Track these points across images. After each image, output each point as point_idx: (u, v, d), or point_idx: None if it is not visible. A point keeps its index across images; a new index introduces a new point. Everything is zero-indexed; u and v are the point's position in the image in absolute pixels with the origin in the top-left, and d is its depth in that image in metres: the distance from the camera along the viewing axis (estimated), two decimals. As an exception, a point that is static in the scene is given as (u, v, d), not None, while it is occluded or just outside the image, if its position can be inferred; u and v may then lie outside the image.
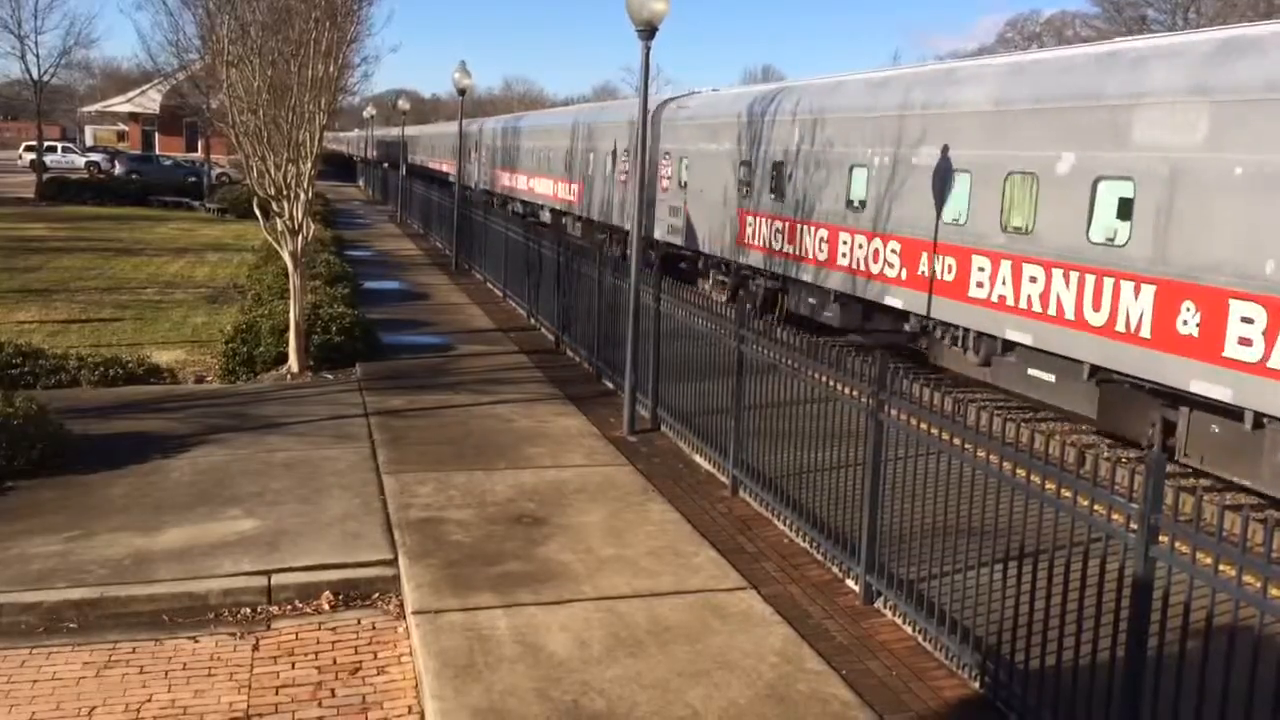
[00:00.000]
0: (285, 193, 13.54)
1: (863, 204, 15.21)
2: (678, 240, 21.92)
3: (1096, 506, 5.07)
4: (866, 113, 15.43)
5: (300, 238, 13.72)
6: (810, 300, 16.90)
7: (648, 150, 25.14)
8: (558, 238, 16.81)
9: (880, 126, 14.99)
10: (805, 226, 16.70)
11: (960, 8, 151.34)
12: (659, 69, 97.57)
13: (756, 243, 18.26)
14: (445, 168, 50.26)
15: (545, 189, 33.20)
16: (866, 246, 15.08)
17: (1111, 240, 10.95)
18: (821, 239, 16.22)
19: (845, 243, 15.60)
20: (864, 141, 15.31)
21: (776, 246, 17.56)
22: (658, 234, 22.73)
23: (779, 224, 17.43)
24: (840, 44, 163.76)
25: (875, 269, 14.85)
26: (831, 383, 7.57)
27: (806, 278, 16.70)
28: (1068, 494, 5.24)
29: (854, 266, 15.36)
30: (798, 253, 16.89)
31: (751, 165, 18.41)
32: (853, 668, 6.15)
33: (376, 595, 7.26)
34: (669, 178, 22.49)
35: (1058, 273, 11.56)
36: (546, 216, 32.71)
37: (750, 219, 18.46)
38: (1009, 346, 12.67)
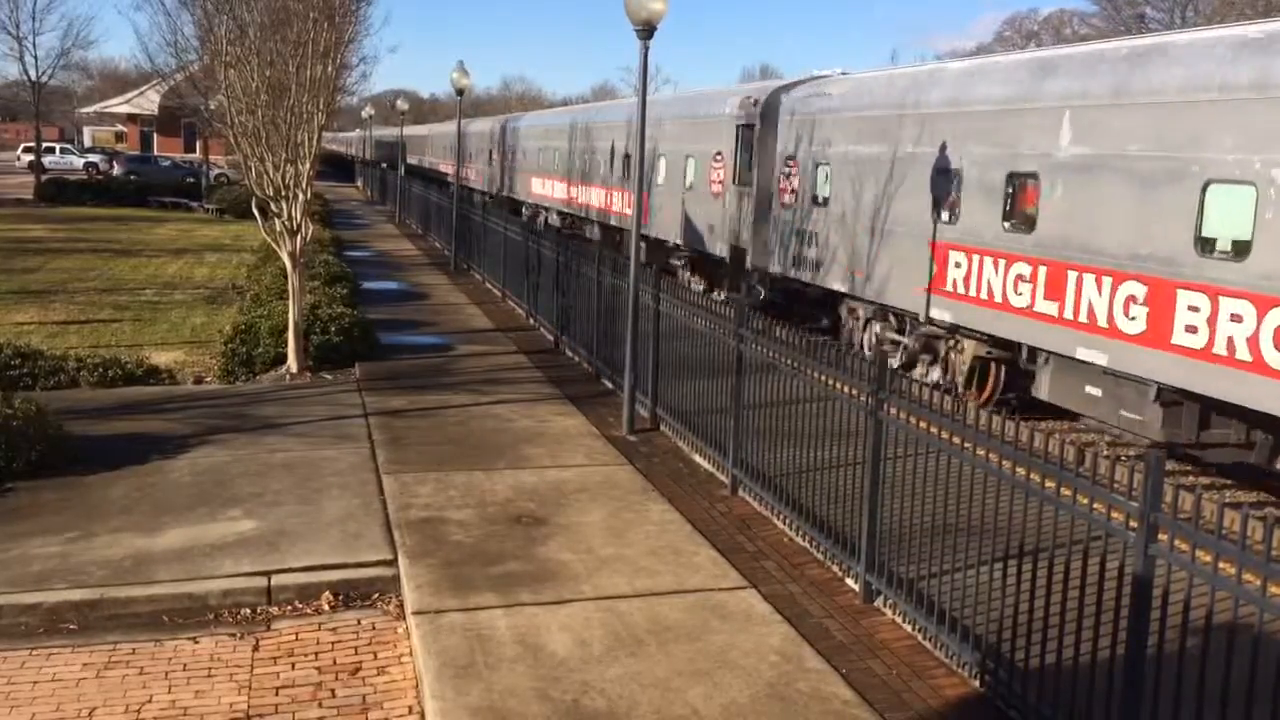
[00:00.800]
0: (284, 193, 13.54)
1: (1240, 247, 9.31)
2: (806, 275, 16.47)
3: (1096, 504, 5.07)
4: (1257, 94, 9.18)
5: (299, 238, 13.72)
6: (1090, 390, 11.06)
7: (647, 149, 21.90)
8: (561, 240, 16.76)
9: None
10: (1092, 276, 10.70)
11: (957, 6, 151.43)
12: (658, 68, 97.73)
13: (968, 291, 12.56)
14: (454, 170, 47.96)
15: (594, 199, 27.36)
16: (1250, 320, 9.06)
17: None
18: (1132, 299, 10.23)
19: (1194, 309, 9.58)
20: (1243, 143, 9.25)
21: (1017, 301, 11.74)
22: (774, 266, 17.62)
23: (1022, 266, 11.68)
24: (838, 43, 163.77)
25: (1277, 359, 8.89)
26: (831, 382, 7.58)
27: (1093, 357, 10.71)
28: (1067, 492, 5.25)
29: (1221, 351, 9.32)
30: (1070, 316, 10.99)
31: (959, 176, 12.88)
32: (853, 666, 6.16)
33: (376, 595, 7.26)
34: (793, 191, 16.92)
35: None
36: (595, 233, 27.41)
37: (957, 255, 12.77)
38: None
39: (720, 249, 19.40)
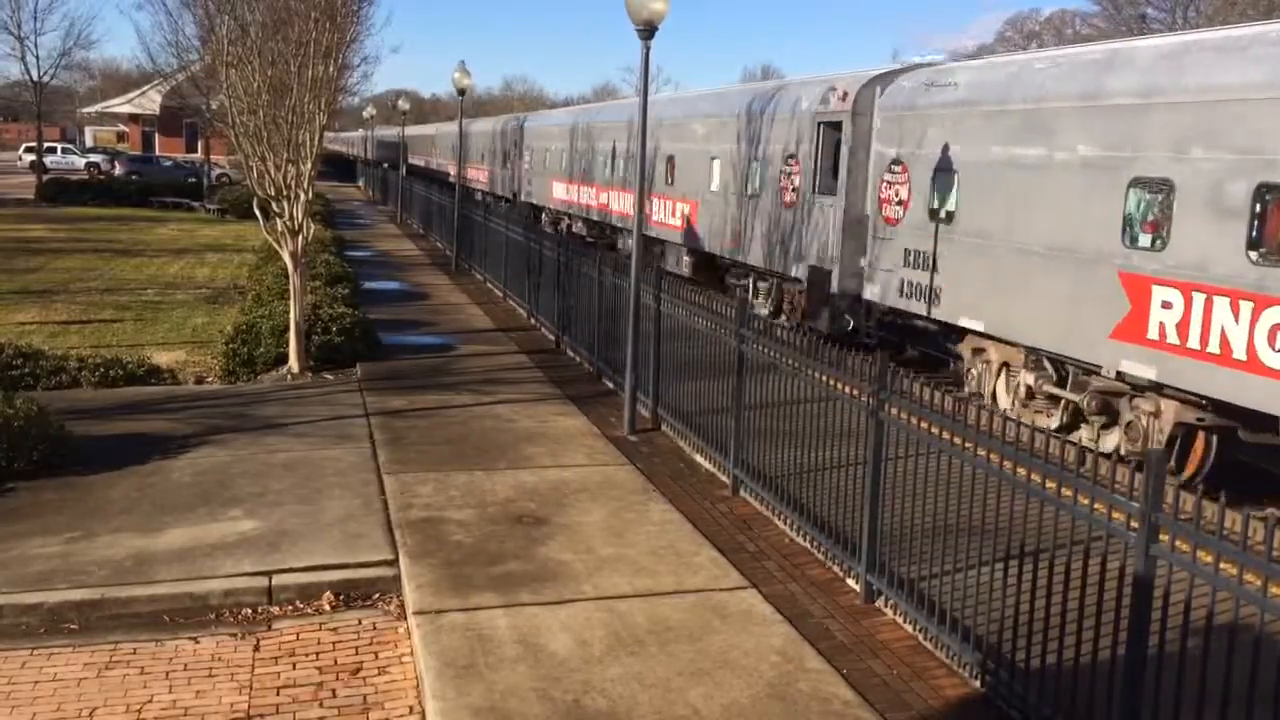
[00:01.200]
0: (285, 193, 13.55)
1: None
2: (918, 306, 13.38)
3: (1097, 505, 5.07)
4: None
5: (300, 238, 13.73)
6: None
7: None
8: (563, 240, 16.71)
9: None
10: None
11: (958, 6, 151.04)
12: (659, 69, 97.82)
13: (1184, 340, 9.50)
14: (471, 173, 41.60)
15: (629, 207, 22.75)
16: None
17: None
18: None
19: None
20: None
21: (1275, 360, 8.80)
22: (871, 292, 14.50)
23: None
24: (838, 43, 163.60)
25: None
26: (832, 382, 7.58)
27: None
28: (1068, 492, 5.25)
29: None
30: None
31: (1169, 188, 9.78)
32: (854, 667, 6.16)
33: (377, 595, 7.27)
34: (900, 202, 13.86)
35: None
36: (628, 244, 22.43)
37: (1166, 293, 9.71)
38: None
39: (795, 269, 16.28)
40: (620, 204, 24.81)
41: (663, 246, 22.15)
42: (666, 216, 21.70)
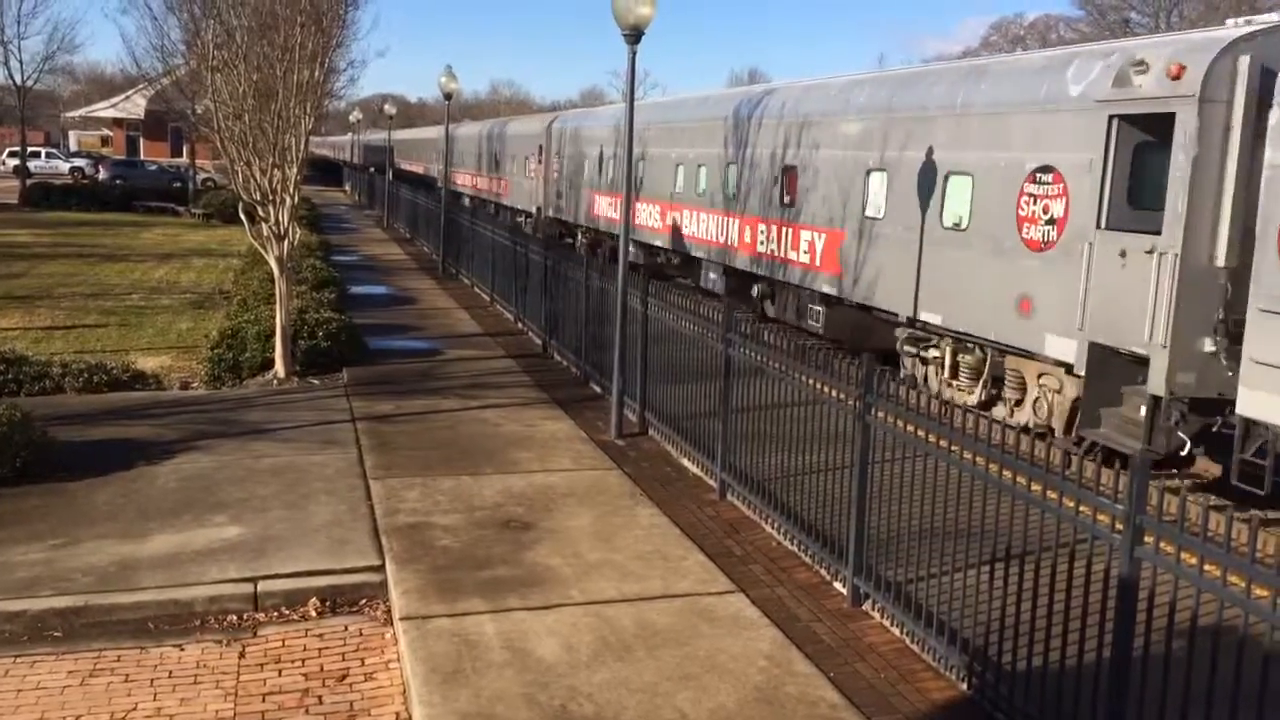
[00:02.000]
0: (271, 198, 13.50)
1: None
2: None
3: (1082, 508, 5.09)
4: None
5: (286, 242, 13.69)
6: None
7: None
8: (549, 244, 16.68)
9: None
10: None
11: (944, 10, 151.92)
12: (646, 73, 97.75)
13: None
14: (480, 184, 39.37)
15: (722, 232, 18.45)
16: None
17: None
18: None
19: None
20: None
21: None
22: (1260, 405, 8.58)
23: None
24: (825, 46, 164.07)
25: None
26: (818, 385, 7.59)
27: None
28: (1053, 495, 5.26)
29: None
30: None
31: None
32: (841, 670, 6.16)
33: (364, 601, 7.24)
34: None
35: None
36: (713, 280, 19.07)
37: None
38: None
39: (1051, 345, 10.81)
40: (698, 228, 19.46)
41: (767, 285, 17.04)
42: (785, 249, 16.11)
